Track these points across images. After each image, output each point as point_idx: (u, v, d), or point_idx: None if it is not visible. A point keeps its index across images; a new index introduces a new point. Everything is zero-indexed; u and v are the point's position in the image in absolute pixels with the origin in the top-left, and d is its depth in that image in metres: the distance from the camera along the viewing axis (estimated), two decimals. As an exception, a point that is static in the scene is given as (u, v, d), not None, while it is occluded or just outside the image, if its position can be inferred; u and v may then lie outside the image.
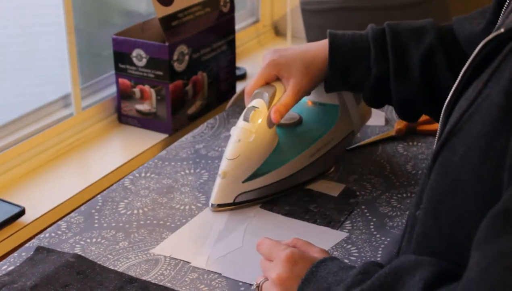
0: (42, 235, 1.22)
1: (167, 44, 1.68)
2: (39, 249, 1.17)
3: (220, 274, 1.12)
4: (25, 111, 1.68)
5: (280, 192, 1.32)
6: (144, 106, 1.76)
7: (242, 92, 1.39)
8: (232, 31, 1.90)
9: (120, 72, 1.76)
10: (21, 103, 1.75)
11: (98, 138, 1.76)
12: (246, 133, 1.26)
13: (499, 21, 1.00)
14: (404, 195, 1.32)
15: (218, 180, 1.27)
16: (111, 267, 1.14)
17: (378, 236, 1.21)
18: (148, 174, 1.39)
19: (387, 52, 1.25)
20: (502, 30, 0.83)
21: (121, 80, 1.76)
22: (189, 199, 1.31)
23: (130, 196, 1.32)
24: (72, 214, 1.27)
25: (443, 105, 1.23)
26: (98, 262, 1.15)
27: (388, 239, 1.20)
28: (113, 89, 1.84)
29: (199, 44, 1.78)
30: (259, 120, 1.26)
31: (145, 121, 1.78)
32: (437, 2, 2.05)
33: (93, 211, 1.28)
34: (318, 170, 1.37)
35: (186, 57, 1.74)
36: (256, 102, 1.27)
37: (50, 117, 1.72)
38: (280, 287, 0.98)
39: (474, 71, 0.88)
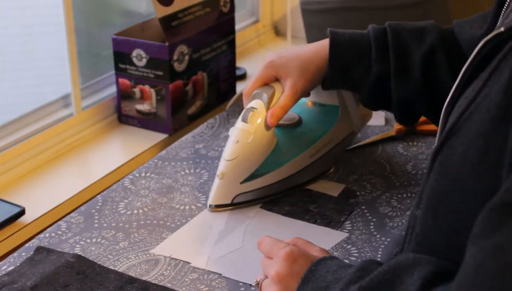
0: (42, 235, 1.22)
1: (167, 44, 1.68)
2: (39, 249, 1.17)
3: (220, 274, 1.12)
4: (25, 111, 1.68)
5: (279, 192, 1.32)
6: (144, 106, 1.76)
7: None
8: (232, 31, 1.90)
9: (120, 72, 1.76)
10: (21, 103, 1.75)
11: (98, 138, 1.76)
12: (244, 134, 1.26)
13: (498, 22, 1.00)
14: (404, 195, 1.32)
15: (216, 181, 1.27)
16: (111, 267, 1.14)
17: (378, 236, 1.21)
18: (148, 174, 1.39)
19: (388, 51, 1.25)
20: (502, 29, 0.83)
21: (121, 80, 1.76)
22: (189, 199, 1.31)
23: (130, 196, 1.32)
24: (72, 214, 1.27)
25: (442, 107, 1.23)
26: (98, 262, 1.15)
27: (388, 239, 1.20)
28: (113, 89, 1.83)
29: (199, 44, 1.78)
30: (258, 121, 1.26)
31: (145, 121, 1.78)
32: (437, 2, 2.05)
33: (93, 211, 1.28)
34: (317, 171, 1.37)
35: (186, 57, 1.74)
36: (254, 103, 1.27)
37: (50, 117, 1.72)
38: (279, 284, 0.98)
39: (474, 70, 0.89)
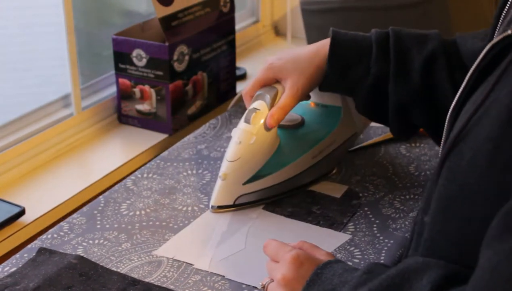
0: (44, 236, 1.21)
1: (167, 44, 1.68)
2: (41, 250, 1.17)
3: (223, 276, 1.12)
4: (25, 111, 1.67)
5: (281, 193, 1.32)
6: (144, 106, 1.75)
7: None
8: (232, 31, 1.89)
9: (120, 72, 1.75)
10: (21, 103, 1.74)
11: (98, 138, 1.76)
12: (247, 135, 1.26)
13: (496, 31, 0.99)
14: (407, 197, 1.32)
15: (219, 182, 1.27)
16: (113, 268, 1.13)
17: (381, 238, 1.20)
18: (150, 175, 1.38)
19: (389, 54, 1.25)
20: (509, 31, 0.83)
21: (121, 80, 1.76)
22: (191, 200, 1.31)
23: (132, 197, 1.32)
24: (74, 215, 1.27)
25: (438, 116, 1.23)
26: (101, 264, 1.14)
27: (392, 241, 1.19)
28: (113, 89, 1.83)
29: (199, 44, 1.77)
30: (260, 122, 1.26)
31: (145, 121, 1.77)
32: (437, 2, 2.04)
33: (95, 212, 1.27)
34: (320, 172, 1.36)
35: (186, 57, 1.73)
36: (257, 104, 1.27)
37: (50, 117, 1.72)
38: (285, 287, 0.98)
39: (479, 75, 0.88)
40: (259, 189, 1.28)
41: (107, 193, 1.33)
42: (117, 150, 1.72)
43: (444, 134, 0.95)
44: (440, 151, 0.97)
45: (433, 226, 0.88)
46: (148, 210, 1.28)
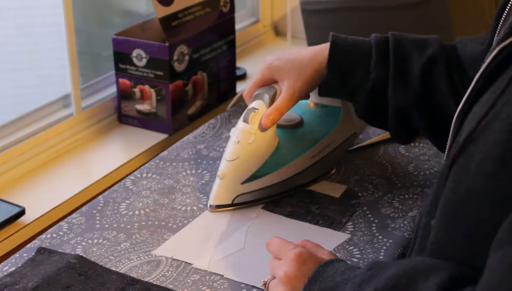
0: (43, 236, 1.21)
1: (167, 44, 1.68)
2: (40, 250, 1.17)
3: (222, 275, 1.12)
4: (25, 111, 1.67)
5: (280, 193, 1.32)
6: (144, 106, 1.76)
7: (244, 93, 1.39)
8: (232, 31, 1.89)
9: (120, 72, 1.75)
10: (21, 103, 1.74)
11: (98, 138, 1.76)
12: (245, 135, 1.26)
13: (497, 31, 0.99)
14: (406, 196, 1.32)
15: (217, 181, 1.27)
16: (113, 268, 1.13)
17: (380, 237, 1.21)
18: (149, 175, 1.39)
19: (388, 58, 1.25)
20: None
21: (121, 80, 1.76)
22: (190, 200, 1.31)
23: (131, 196, 1.32)
24: (74, 215, 1.27)
25: (438, 121, 1.23)
26: (100, 263, 1.14)
27: (390, 241, 1.19)
28: (113, 89, 1.83)
29: (199, 44, 1.77)
30: (259, 122, 1.26)
31: (145, 121, 1.77)
32: (437, 2, 2.04)
33: (95, 211, 1.28)
34: (319, 172, 1.36)
35: (186, 57, 1.73)
36: (256, 103, 1.27)
37: (50, 117, 1.72)
38: (287, 285, 0.98)
39: (487, 78, 0.88)
40: (257, 188, 1.28)
41: (106, 192, 1.33)
42: (117, 150, 1.73)
43: (449, 137, 0.94)
44: (445, 154, 0.97)
45: (440, 229, 0.87)
46: (147, 210, 1.28)
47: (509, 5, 0.97)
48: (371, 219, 1.26)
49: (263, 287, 1.04)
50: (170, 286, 1.10)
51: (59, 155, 1.68)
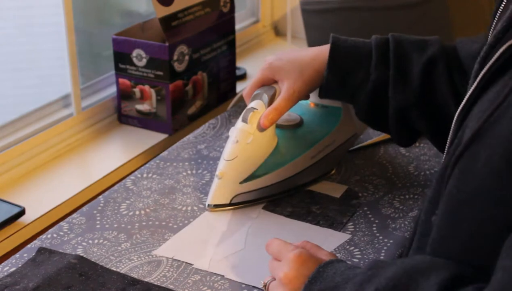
0: (44, 236, 1.21)
1: (167, 44, 1.68)
2: (41, 250, 1.17)
3: (223, 276, 1.12)
4: (25, 111, 1.67)
5: (279, 193, 1.32)
6: (144, 106, 1.75)
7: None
8: (232, 31, 1.89)
9: (120, 72, 1.75)
10: (21, 103, 1.74)
11: (98, 138, 1.76)
12: (244, 135, 1.26)
13: (492, 27, 0.99)
14: (407, 196, 1.32)
15: (216, 181, 1.27)
16: (113, 268, 1.13)
17: (380, 238, 1.21)
18: (150, 175, 1.38)
19: (389, 59, 1.25)
20: None
21: (121, 80, 1.76)
22: (191, 200, 1.31)
23: (132, 196, 1.32)
24: (74, 215, 1.27)
25: (438, 121, 1.23)
26: (100, 264, 1.14)
27: (391, 241, 1.19)
28: (113, 89, 1.83)
29: (199, 44, 1.77)
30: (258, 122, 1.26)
31: (145, 121, 1.77)
32: (437, 2, 2.04)
33: (95, 212, 1.27)
34: (318, 172, 1.36)
35: (186, 57, 1.73)
36: (255, 103, 1.27)
37: (50, 117, 1.72)
38: (286, 286, 0.98)
39: (491, 76, 0.88)
40: (256, 188, 1.28)
41: (106, 192, 1.33)
42: (117, 150, 1.72)
43: (450, 135, 0.94)
44: (445, 152, 0.97)
45: (442, 226, 0.87)
46: (147, 210, 1.28)
47: (504, 1, 0.97)
48: (372, 219, 1.26)
49: (263, 289, 1.04)
50: (171, 287, 1.09)
51: (59, 155, 1.68)
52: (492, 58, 0.88)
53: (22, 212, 1.45)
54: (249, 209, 1.28)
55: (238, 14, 2.14)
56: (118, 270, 1.13)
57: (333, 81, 1.26)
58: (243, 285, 1.10)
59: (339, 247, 1.19)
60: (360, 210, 1.28)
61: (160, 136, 1.75)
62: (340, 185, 1.36)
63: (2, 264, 1.15)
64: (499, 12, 0.98)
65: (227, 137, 1.29)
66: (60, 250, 1.17)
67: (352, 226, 1.24)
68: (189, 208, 1.29)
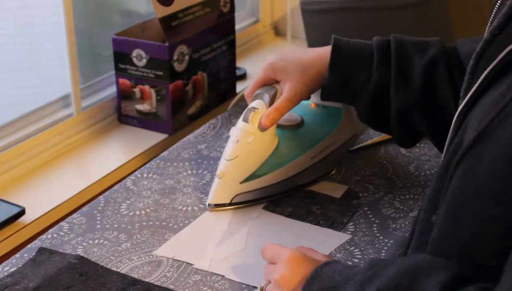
0: (44, 236, 1.21)
1: (167, 44, 1.68)
2: (41, 250, 1.17)
3: (223, 276, 1.12)
4: (25, 111, 1.67)
5: (279, 193, 1.32)
6: (144, 106, 1.75)
7: (244, 93, 1.39)
8: (232, 31, 1.89)
9: (120, 72, 1.75)
10: (21, 103, 1.74)
11: (98, 138, 1.76)
12: (245, 134, 1.26)
13: (488, 25, 0.99)
14: (407, 196, 1.32)
15: (216, 180, 1.27)
16: (113, 268, 1.13)
17: (381, 238, 1.21)
18: (150, 175, 1.38)
19: (390, 60, 1.25)
20: None
21: (121, 80, 1.76)
22: (191, 200, 1.31)
23: (132, 196, 1.32)
24: (74, 215, 1.27)
25: (439, 122, 1.22)
26: (101, 264, 1.14)
27: (391, 241, 1.19)
28: (113, 89, 1.83)
29: (199, 44, 1.77)
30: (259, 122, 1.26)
31: (145, 121, 1.77)
32: (437, 2, 2.04)
33: (95, 212, 1.27)
34: (319, 172, 1.36)
35: (186, 57, 1.73)
36: (256, 103, 1.27)
37: (50, 117, 1.72)
38: (283, 287, 0.98)
39: (494, 76, 0.87)
40: (256, 188, 1.28)
41: (107, 193, 1.33)
42: (117, 150, 1.72)
43: (450, 134, 0.94)
44: (444, 151, 0.97)
45: (443, 226, 0.87)
46: (148, 210, 1.28)
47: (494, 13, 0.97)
48: (372, 219, 1.26)
49: None
50: (171, 287, 1.09)
51: (59, 155, 1.68)
52: (488, 55, 0.88)
53: (22, 212, 1.45)
54: (249, 209, 1.28)
55: (238, 14, 2.14)
56: (118, 270, 1.13)
57: (334, 82, 1.26)
58: (243, 285, 1.10)
59: (339, 247, 1.19)
60: (361, 210, 1.28)
61: (160, 136, 1.75)
62: (340, 185, 1.36)
63: (2, 264, 1.15)
64: (495, 8, 0.98)
65: (228, 137, 1.29)
66: (60, 250, 1.17)
67: (353, 226, 1.24)
68: (189, 208, 1.29)
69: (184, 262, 1.15)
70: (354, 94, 1.27)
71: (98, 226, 1.24)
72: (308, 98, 1.33)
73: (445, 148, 0.96)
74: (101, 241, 1.20)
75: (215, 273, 1.13)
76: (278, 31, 2.44)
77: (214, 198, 1.28)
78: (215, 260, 1.15)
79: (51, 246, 1.18)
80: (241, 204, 1.29)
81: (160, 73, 1.70)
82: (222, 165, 1.27)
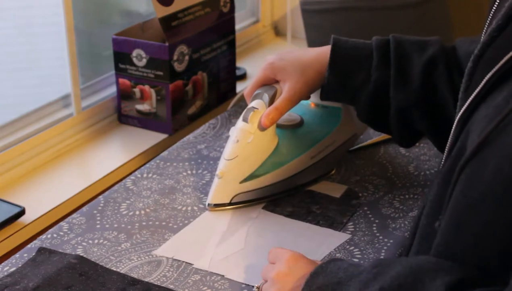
0: (44, 236, 1.21)
1: (167, 44, 1.68)
2: (41, 250, 1.17)
3: (223, 275, 1.12)
4: (25, 111, 1.67)
5: (279, 193, 1.32)
6: (144, 106, 1.75)
7: (244, 93, 1.39)
8: (232, 31, 1.89)
9: (120, 72, 1.75)
10: (21, 103, 1.74)
11: (98, 138, 1.76)
12: (244, 134, 1.26)
13: (485, 25, 0.99)
14: (407, 196, 1.32)
15: (216, 180, 1.27)
16: (113, 268, 1.13)
17: (380, 237, 1.21)
18: (150, 175, 1.38)
19: (389, 60, 1.25)
20: None
21: (121, 80, 1.76)
22: (191, 200, 1.31)
23: (132, 196, 1.32)
24: (74, 215, 1.27)
25: (439, 121, 1.22)
26: (101, 264, 1.14)
27: (391, 241, 1.19)
28: (113, 89, 1.83)
29: (199, 44, 1.77)
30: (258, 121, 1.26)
31: (145, 121, 1.77)
32: (437, 2, 2.04)
33: (95, 212, 1.27)
34: (318, 172, 1.36)
35: (186, 57, 1.73)
36: (256, 103, 1.27)
37: (50, 117, 1.72)
38: (277, 283, 0.98)
39: (497, 79, 0.87)
40: (256, 188, 1.28)
41: (106, 192, 1.33)
42: (117, 150, 1.72)
43: (451, 137, 0.93)
44: (445, 154, 0.96)
45: (447, 232, 0.86)
46: (147, 210, 1.28)
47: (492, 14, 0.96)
48: (372, 219, 1.26)
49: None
50: (171, 287, 1.10)
51: (59, 155, 1.68)
52: (487, 57, 0.88)
53: (22, 212, 1.45)
54: (249, 209, 1.28)
55: (238, 14, 2.14)
56: (118, 270, 1.13)
57: (334, 82, 1.26)
58: (243, 285, 1.10)
59: (339, 247, 1.19)
60: (360, 210, 1.28)
61: (160, 136, 1.75)
62: (340, 185, 1.36)
63: (2, 264, 1.15)
64: (493, 9, 0.97)
65: (227, 137, 1.29)
66: (60, 250, 1.17)
67: (352, 226, 1.24)
68: (189, 208, 1.29)
69: (183, 262, 1.15)
70: (354, 94, 1.27)
71: (98, 226, 1.24)
72: (307, 98, 1.33)
73: (446, 151, 0.95)
74: (101, 241, 1.20)
75: (214, 273, 1.13)
76: (278, 31, 2.45)
77: (214, 197, 1.28)
78: (214, 260, 1.16)
79: (51, 246, 1.18)
80: (241, 203, 1.29)
81: (160, 73, 1.70)
82: (222, 164, 1.27)
